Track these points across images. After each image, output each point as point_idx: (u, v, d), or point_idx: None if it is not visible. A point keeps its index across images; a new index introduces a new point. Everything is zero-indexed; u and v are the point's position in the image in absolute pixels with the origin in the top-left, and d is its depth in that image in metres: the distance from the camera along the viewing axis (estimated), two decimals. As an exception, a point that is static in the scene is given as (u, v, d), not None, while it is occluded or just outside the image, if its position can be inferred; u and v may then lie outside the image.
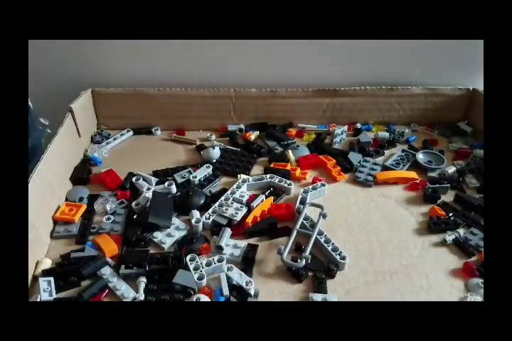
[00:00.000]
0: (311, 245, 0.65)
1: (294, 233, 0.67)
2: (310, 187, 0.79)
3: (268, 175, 0.82)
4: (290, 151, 0.90)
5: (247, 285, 0.60)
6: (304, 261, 0.62)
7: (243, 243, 0.68)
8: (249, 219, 0.71)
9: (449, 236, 0.69)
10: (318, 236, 0.67)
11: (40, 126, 0.95)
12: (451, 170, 0.85)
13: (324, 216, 0.70)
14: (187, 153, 0.93)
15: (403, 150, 0.92)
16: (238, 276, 0.61)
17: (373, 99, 0.98)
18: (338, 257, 0.64)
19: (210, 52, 0.94)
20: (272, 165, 0.87)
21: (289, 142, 0.95)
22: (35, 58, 0.79)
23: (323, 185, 0.80)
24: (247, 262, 0.65)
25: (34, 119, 0.92)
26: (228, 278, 0.61)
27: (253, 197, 0.76)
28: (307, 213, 0.72)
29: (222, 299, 0.58)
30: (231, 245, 0.67)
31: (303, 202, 0.75)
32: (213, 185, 0.82)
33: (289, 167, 0.86)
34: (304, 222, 0.70)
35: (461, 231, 0.71)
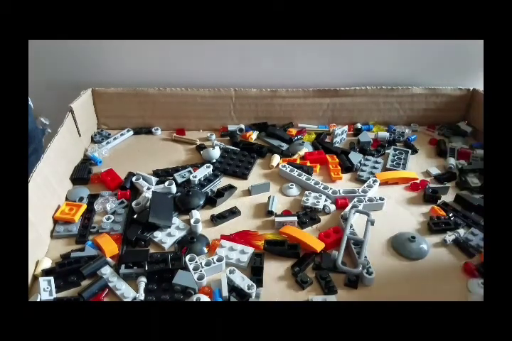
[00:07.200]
0: (364, 251, 0.64)
1: (345, 239, 0.66)
2: (366, 198, 0.76)
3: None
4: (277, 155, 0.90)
5: (249, 289, 0.59)
6: (360, 268, 0.62)
7: (250, 249, 0.67)
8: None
9: (449, 237, 0.69)
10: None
11: (40, 126, 0.95)
12: (451, 161, 0.87)
13: (372, 222, 0.69)
14: (187, 152, 0.93)
15: (395, 149, 0.92)
16: (240, 279, 0.61)
17: (373, 99, 0.98)
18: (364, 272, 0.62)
19: (211, 52, 0.94)
20: (282, 161, 0.88)
21: (294, 139, 0.96)
22: (35, 58, 0.79)
23: (382, 199, 0.76)
24: (255, 272, 0.64)
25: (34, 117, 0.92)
26: (231, 281, 0.61)
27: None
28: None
29: (219, 300, 0.58)
30: (238, 250, 0.67)
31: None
32: (213, 184, 0.82)
33: (298, 161, 0.88)
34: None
35: (462, 231, 0.71)
